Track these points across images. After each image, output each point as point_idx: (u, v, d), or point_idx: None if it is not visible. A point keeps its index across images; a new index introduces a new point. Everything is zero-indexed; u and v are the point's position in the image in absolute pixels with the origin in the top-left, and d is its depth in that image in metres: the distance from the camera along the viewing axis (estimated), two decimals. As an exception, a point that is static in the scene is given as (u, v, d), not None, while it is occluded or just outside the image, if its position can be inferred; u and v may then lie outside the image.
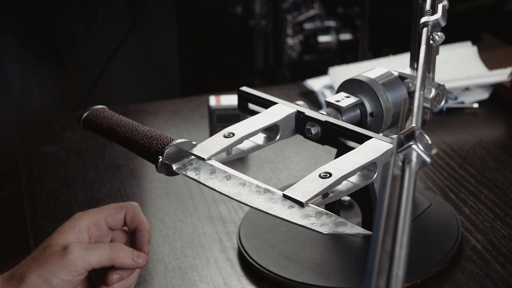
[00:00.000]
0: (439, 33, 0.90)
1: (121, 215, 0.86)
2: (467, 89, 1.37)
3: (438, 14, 0.88)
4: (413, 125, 0.66)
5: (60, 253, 0.78)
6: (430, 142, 0.65)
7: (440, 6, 0.90)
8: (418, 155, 0.64)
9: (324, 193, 0.78)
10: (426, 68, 0.82)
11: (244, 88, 0.97)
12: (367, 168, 0.82)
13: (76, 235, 0.82)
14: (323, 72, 1.47)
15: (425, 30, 0.87)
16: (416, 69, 0.98)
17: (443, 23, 0.88)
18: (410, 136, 0.65)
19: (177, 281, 0.95)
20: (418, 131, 0.65)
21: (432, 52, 0.96)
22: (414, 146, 0.64)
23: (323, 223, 0.74)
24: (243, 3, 2.39)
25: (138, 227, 0.86)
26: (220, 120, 1.24)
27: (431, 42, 0.90)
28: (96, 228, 0.84)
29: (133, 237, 0.86)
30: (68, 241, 0.81)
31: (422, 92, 0.77)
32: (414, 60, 0.97)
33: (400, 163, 0.63)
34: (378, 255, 0.51)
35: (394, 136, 0.67)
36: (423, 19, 0.88)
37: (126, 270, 0.84)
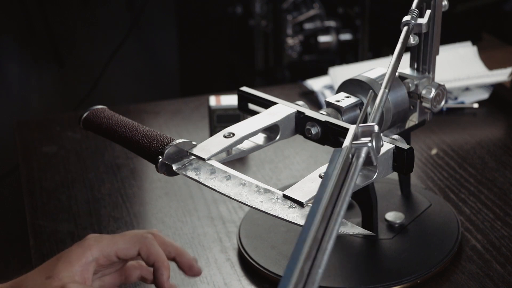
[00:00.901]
0: (416, 37, 0.90)
1: (134, 251, 0.81)
2: (467, 89, 1.37)
3: (424, 20, 0.88)
4: (373, 123, 0.66)
5: None
6: (382, 146, 0.66)
7: (428, 12, 0.90)
8: (369, 155, 0.64)
9: (324, 193, 0.78)
10: (396, 67, 0.82)
11: (244, 88, 0.97)
12: (367, 168, 0.82)
13: (81, 267, 0.78)
14: (323, 72, 1.47)
15: (405, 29, 0.87)
16: (416, 69, 0.98)
17: (425, 30, 0.88)
18: (368, 134, 0.65)
19: (177, 281, 0.95)
20: (376, 132, 0.65)
21: (433, 52, 0.96)
22: (369, 145, 0.64)
23: (323, 223, 0.74)
24: (243, 3, 2.39)
25: (156, 264, 0.80)
26: (220, 120, 1.24)
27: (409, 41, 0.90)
28: (105, 259, 0.80)
29: (153, 270, 0.82)
30: (70, 277, 0.77)
31: (386, 90, 0.77)
32: (414, 60, 0.97)
33: (350, 155, 0.63)
34: (309, 242, 0.51)
35: (353, 126, 0.67)
36: (406, 18, 0.88)
37: None
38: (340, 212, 0.56)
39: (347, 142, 0.64)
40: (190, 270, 0.82)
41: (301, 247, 0.51)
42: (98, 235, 0.81)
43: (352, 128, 0.65)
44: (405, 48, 0.86)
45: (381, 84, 0.93)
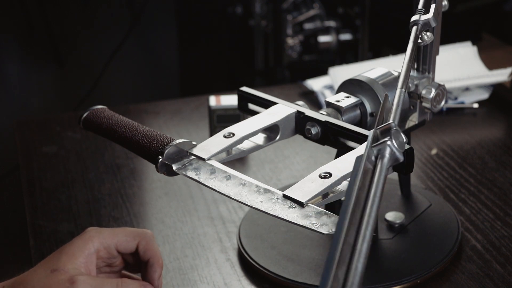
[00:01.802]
0: (428, 33, 0.90)
1: (133, 244, 0.82)
2: (467, 89, 1.37)
3: (430, 14, 0.88)
4: (390, 121, 0.66)
5: (67, 286, 0.75)
6: (405, 140, 0.66)
7: (432, 7, 0.90)
8: (392, 152, 0.64)
9: (324, 193, 0.78)
10: (410, 66, 0.82)
11: (244, 88, 0.97)
12: (367, 168, 0.82)
13: (84, 258, 0.79)
14: (323, 72, 1.47)
15: (414, 28, 0.87)
16: (416, 69, 0.98)
17: (433, 24, 0.88)
18: (386, 132, 0.65)
19: (177, 281, 0.95)
20: (394, 128, 0.65)
21: (433, 52, 0.96)
22: (388, 143, 0.64)
23: (323, 223, 0.74)
24: (243, 3, 2.39)
25: (151, 260, 0.82)
26: (220, 120, 1.24)
27: (419, 41, 0.90)
28: (105, 251, 0.81)
29: (145, 267, 0.82)
30: (76, 269, 0.77)
31: (403, 89, 0.77)
32: (414, 60, 0.97)
33: (373, 158, 0.63)
34: (340, 246, 0.51)
35: (371, 131, 0.67)
36: (413, 18, 0.88)
37: None
38: (371, 213, 0.56)
39: (365, 147, 0.64)
40: (147, 281, 0.82)
41: (333, 254, 0.51)
42: (98, 227, 0.82)
43: (370, 133, 0.66)
44: (411, 46, 0.86)
45: (381, 84, 0.93)
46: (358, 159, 0.62)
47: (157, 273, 0.81)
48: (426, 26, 0.88)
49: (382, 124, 0.66)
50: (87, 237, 0.80)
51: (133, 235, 0.82)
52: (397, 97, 0.76)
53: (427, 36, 0.89)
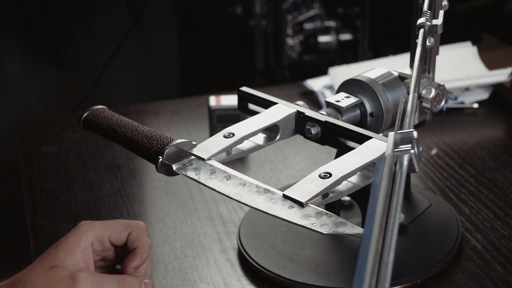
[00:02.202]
0: (431, 39, 0.90)
1: (125, 234, 0.82)
2: (467, 89, 1.37)
3: (439, 21, 0.88)
4: (412, 129, 0.66)
5: (68, 283, 0.75)
6: (421, 152, 0.66)
7: (441, 13, 0.89)
8: (411, 161, 0.64)
9: (324, 193, 0.78)
10: (421, 70, 0.82)
11: (244, 88, 0.97)
12: (367, 168, 0.82)
13: (81, 253, 0.79)
14: (323, 72, 1.47)
15: (421, 31, 0.87)
16: (411, 67, 0.98)
17: (440, 31, 0.88)
18: (407, 141, 0.65)
19: (177, 281, 0.95)
20: (415, 138, 0.65)
21: (433, 52, 0.96)
22: (412, 151, 0.64)
23: (323, 223, 0.74)
24: (243, 3, 2.39)
25: (136, 250, 0.82)
26: (220, 120, 1.24)
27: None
28: (99, 244, 0.81)
29: (127, 255, 0.82)
30: (76, 265, 0.77)
31: (415, 94, 0.77)
32: (414, 60, 0.97)
33: (393, 164, 0.63)
34: (372, 255, 0.51)
35: (391, 133, 0.67)
36: (420, 20, 0.87)
37: None
38: (394, 222, 0.55)
39: (389, 150, 0.64)
40: (146, 284, 0.81)
41: (365, 263, 0.50)
42: (90, 221, 0.82)
43: (391, 136, 0.65)
44: (420, 49, 0.85)
45: (381, 84, 0.93)
46: (380, 161, 0.62)
47: (135, 262, 0.81)
48: (432, 30, 0.87)
49: (401, 130, 0.66)
50: (81, 231, 0.80)
51: (125, 226, 0.82)
52: (410, 101, 0.75)
53: (429, 41, 0.89)
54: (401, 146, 0.65)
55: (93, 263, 0.81)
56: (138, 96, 2.61)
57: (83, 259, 0.79)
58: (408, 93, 0.95)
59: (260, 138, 0.91)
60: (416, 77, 0.80)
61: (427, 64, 0.96)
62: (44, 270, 0.77)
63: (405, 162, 0.63)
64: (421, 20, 0.87)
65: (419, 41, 0.86)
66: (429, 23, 0.87)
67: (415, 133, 0.65)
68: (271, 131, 0.91)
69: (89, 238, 0.80)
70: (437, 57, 0.97)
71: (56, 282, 0.75)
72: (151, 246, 0.84)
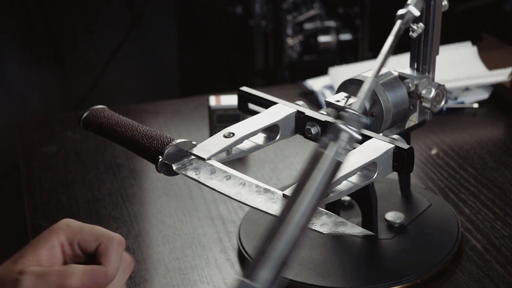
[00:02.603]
0: (419, 24, 0.90)
1: (93, 246, 0.74)
2: (467, 89, 1.37)
3: (411, 5, 0.89)
4: (355, 111, 0.64)
5: (14, 278, 0.71)
6: (368, 122, 0.63)
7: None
8: (345, 133, 0.61)
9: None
10: (387, 57, 0.82)
11: (244, 88, 0.97)
12: (367, 168, 0.82)
13: (47, 251, 0.73)
14: (323, 72, 1.47)
15: (398, 22, 0.87)
16: (416, 69, 0.98)
17: (416, 13, 0.88)
18: (341, 117, 0.63)
19: (177, 281, 0.95)
20: (351, 112, 0.63)
21: (433, 52, 0.96)
22: (340, 124, 0.61)
23: (323, 223, 0.74)
24: (243, 3, 2.39)
25: (102, 263, 0.72)
26: (220, 120, 1.24)
27: (410, 33, 0.91)
28: (69, 248, 0.74)
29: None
30: (35, 262, 0.72)
31: (375, 78, 0.77)
32: (414, 60, 0.97)
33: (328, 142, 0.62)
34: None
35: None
36: (399, 11, 0.88)
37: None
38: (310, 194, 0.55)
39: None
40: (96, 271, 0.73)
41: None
42: (71, 220, 0.76)
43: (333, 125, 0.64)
44: (392, 38, 0.86)
45: (381, 84, 0.93)
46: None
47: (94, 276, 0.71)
48: (409, 16, 0.88)
49: (352, 110, 0.64)
50: (55, 228, 0.75)
51: (96, 236, 0.74)
52: (367, 84, 0.75)
53: (418, 26, 0.90)
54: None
55: (61, 264, 0.74)
56: (138, 96, 2.61)
57: (47, 257, 0.73)
58: (410, 93, 0.95)
59: (260, 138, 0.91)
60: (381, 62, 0.81)
61: (427, 64, 0.96)
62: (9, 264, 0.73)
63: (341, 136, 0.61)
64: (400, 11, 0.88)
65: (393, 30, 0.86)
66: (405, 12, 0.88)
67: (350, 111, 0.63)
68: (271, 131, 0.91)
69: (59, 238, 0.74)
70: (437, 57, 0.97)
71: (6, 275, 0.71)
72: (132, 264, 0.75)
